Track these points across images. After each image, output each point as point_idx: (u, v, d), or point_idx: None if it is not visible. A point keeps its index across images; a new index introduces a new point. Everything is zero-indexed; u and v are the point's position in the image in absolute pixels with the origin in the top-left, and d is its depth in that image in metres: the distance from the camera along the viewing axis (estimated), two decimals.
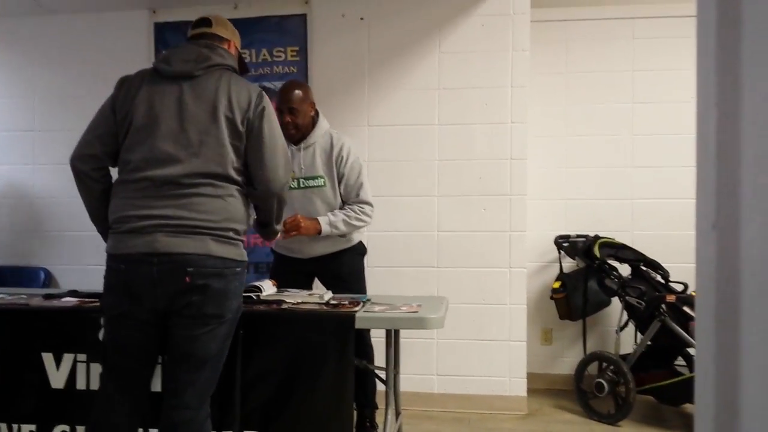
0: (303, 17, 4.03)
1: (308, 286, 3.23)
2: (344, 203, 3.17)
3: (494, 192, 3.88)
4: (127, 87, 2.28)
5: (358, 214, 3.13)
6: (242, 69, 2.48)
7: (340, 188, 3.15)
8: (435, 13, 3.94)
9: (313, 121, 3.16)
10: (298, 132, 3.09)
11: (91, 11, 4.21)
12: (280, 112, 3.02)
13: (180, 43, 2.42)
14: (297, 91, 3.10)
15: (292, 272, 3.19)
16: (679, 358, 3.75)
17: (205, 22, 2.40)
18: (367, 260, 3.38)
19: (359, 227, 3.19)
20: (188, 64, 2.24)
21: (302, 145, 3.12)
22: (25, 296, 2.85)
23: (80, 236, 4.10)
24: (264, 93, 2.31)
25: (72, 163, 2.28)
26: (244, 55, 2.66)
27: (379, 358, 2.83)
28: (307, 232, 3.05)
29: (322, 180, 3.12)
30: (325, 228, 3.07)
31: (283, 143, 2.34)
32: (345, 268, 3.21)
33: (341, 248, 3.21)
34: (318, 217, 3.08)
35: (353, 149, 3.19)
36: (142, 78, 2.30)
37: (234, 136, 2.21)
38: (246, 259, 2.29)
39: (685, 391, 3.49)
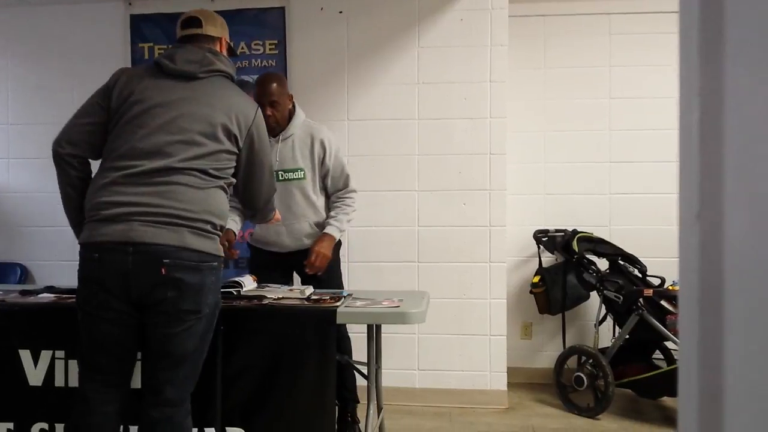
0: (281, 10, 4.00)
1: (287, 279, 3.22)
2: (330, 194, 3.19)
3: (474, 187, 3.89)
4: (126, 78, 2.28)
5: (351, 206, 3.18)
6: (230, 55, 2.49)
7: (326, 181, 3.15)
8: (414, 8, 3.94)
9: (290, 113, 3.15)
10: (277, 124, 3.08)
11: (66, 2, 4.14)
12: (260, 105, 3.00)
13: (177, 43, 2.41)
14: (275, 84, 3.09)
15: (271, 266, 3.18)
16: (657, 351, 3.79)
17: (195, 22, 2.37)
18: (348, 255, 3.38)
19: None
20: (192, 66, 2.25)
21: (280, 137, 3.11)
22: (0, 292, 2.80)
23: (57, 231, 4.03)
24: (260, 110, 2.38)
25: (54, 147, 2.26)
26: None
27: (360, 353, 2.83)
28: (329, 252, 3.07)
29: (302, 172, 3.11)
30: (338, 236, 3.14)
31: (270, 163, 2.46)
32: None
33: None
34: (327, 232, 3.09)
35: (333, 139, 3.20)
36: (143, 71, 2.31)
37: (229, 143, 2.23)
38: (222, 254, 2.27)
39: (663, 384, 3.53)
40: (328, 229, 3.10)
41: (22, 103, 4.27)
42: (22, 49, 4.26)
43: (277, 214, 2.79)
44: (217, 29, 2.42)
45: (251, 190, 2.40)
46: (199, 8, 2.50)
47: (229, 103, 2.26)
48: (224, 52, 2.42)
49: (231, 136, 2.24)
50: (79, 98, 4.10)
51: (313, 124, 3.20)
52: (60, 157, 2.25)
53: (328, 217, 3.16)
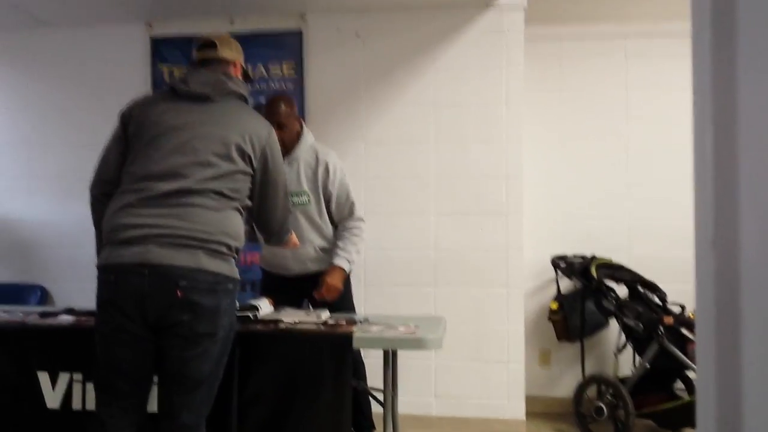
0: (299, 33, 4.06)
1: (296, 303, 3.21)
2: (337, 221, 3.18)
3: (491, 210, 3.88)
4: (141, 104, 2.34)
5: (358, 236, 3.16)
6: (246, 79, 2.52)
7: (330, 207, 3.15)
8: (430, 30, 3.97)
9: (298, 135, 3.15)
10: (284, 147, 3.08)
11: (88, 25, 4.23)
12: None
13: (191, 65, 2.48)
14: (283, 105, 3.10)
15: (280, 288, 3.16)
16: (679, 381, 3.72)
17: (210, 45, 2.43)
18: (364, 279, 3.37)
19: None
20: (206, 88, 2.29)
21: (286, 160, 3.10)
22: (21, 314, 2.83)
23: (77, 253, 4.08)
24: (274, 131, 2.40)
25: (90, 192, 2.36)
26: None
27: (376, 379, 2.80)
28: (340, 284, 3.08)
29: (307, 197, 3.11)
30: (348, 267, 3.12)
31: (285, 183, 2.45)
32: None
33: (323, 269, 3.16)
34: (337, 264, 3.08)
35: (339, 165, 3.18)
36: (157, 96, 2.39)
37: (243, 164, 2.25)
38: (238, 276, 2.27)
39: (684, 415, 3.46)
40: (338, 261, 3.09)
41: (44, 124, 4.34)
42: (44, 71, 4.35)
43: (295, 239, 2.78)
44: (233, 53, 2.46)
45: (266, 211, 2.40)
46: (216, 32, 2.55)
47: (242, 124, 2.28)
48: (239, 76, 2.45)
49: (245, 156, 2.25)
50: (100, 120, 4.20)
51: (321, 148, 3.19)
52: (95, 200, 2.35)
53: (336, 247, 3.13)
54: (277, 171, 2.38)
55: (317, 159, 3.13)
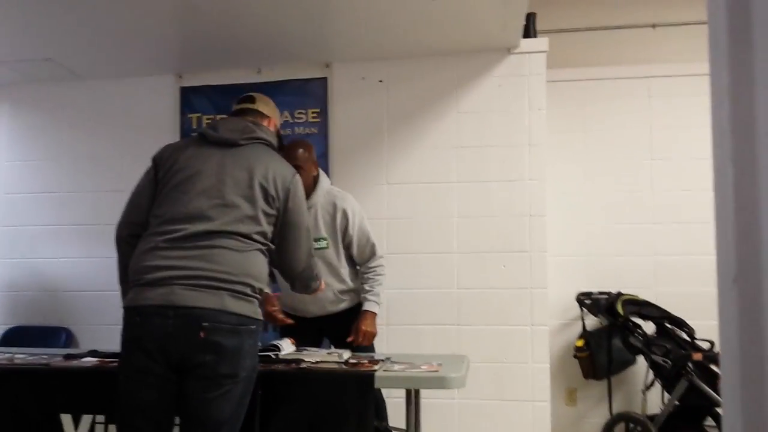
0: (324, 80, 4.13)
1: (317, 342, 3.21)
2: (358, 263, 3.22)
3: (514, 249, 3.86)
4: (171, 150, 2.40)
5: (382, 274, 3.21)
6: (279, 145, 2.59)
7: (350, 250, 3.18)
8: (452, 75, 4.02)
9: (315, 180, 3.19)
10: None
11: (118, 77, 4.34)
12: None
13: (227, 116, 2.60)
14: (301, 150, 3.15)
15: (301, 329, 3.16)
16: (709, 418, 3.63)
17: (249, 99, 2.57)
18: (388, 318, 3.37)
19: None
20: (234, 134, 2.36)
21: None
22: (45, 356, 2.85)
23: (102, 296, 4.12)
24: (298, 175, 2.44)
25: (116, 233, 2.39)
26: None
27: (399, 419, 2.77)
28: (374, 328, 3.14)
29: (326, 242, 3.14)
30: (377, 310, 3.17)
31: (308, 225, 2.46)
32: (349, 325, 3.17)
33: (344, 308, 3.21)
34: (369, 310, 3.13)
35: (357, 208, 3.22)
36: (188, 142, 2.47)
37: (267, 205, 2.28)
38: (261, 317, 2.28)
39: None
40: (369, 306, 3.13)
41: (75, 172, 4.43)
42: (76, 121, 4.46)
43: (323, 284, 2.79)
44: (269, 109, 2.57)
45: (288, 252, 2.38)
46: (256, 92, 2.67)
47: (266, 166, 2.32)
48: (273, 131, 2.52)
49: (269, 198, 2.28)
50: (130, 167, 4.27)
51: (337, 193, 3.23)
52: (122, 240, 2.38)
53: (363, 291, 3.17)
54: (300, 212, 2.39)
55: (335, 205, 3.16)
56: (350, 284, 3.21)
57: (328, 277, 3.13)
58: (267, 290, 2.56)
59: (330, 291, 3.14)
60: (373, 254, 3.19)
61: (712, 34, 0.63)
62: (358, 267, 3.23)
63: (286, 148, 3.23)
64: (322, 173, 3.26)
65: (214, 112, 4.11)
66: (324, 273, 3.10)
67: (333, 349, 3.02)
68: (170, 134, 4.16)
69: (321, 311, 3.17)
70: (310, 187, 3.16)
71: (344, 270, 3.19)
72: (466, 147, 3.97)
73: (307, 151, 3.18)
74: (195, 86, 4.27)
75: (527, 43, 3.92)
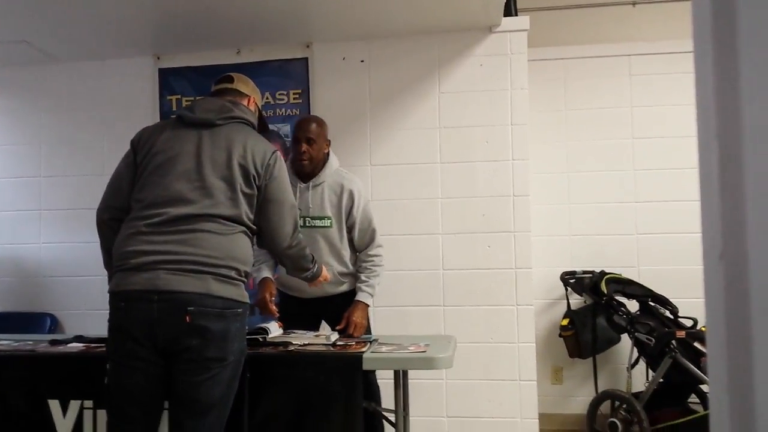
0: (305, 61, 4.09)
1: (315, 325, 3.21)
2: (358, 249, 3.18)
3: (498, 229, 3.88)
4: (148, 133, 2.38)
5: (380, 265, 3.17)
6: (262, 126, 2.57)
7: (352, 234, 3.15)
8: (434, 54, 4.00)
9: (325, 159, 3.17)
10: (310, 164, 3.08)
11: (95, 59, 4.28)
12: (296, 141, 3.09)
13: (204, 96, 2.56)
14: (314, 124, 3.13)
15: (297, 311, 3.17)
16: (693, 395, 3.69)
17: (227, 78, 2.52)
18: (373, 300, 3.36)
19: None
20: (211, 114, 2.32)
21: (311, 183, 3.11)
22: (31, 342, 2.84)
23: (86, 281, 4.10)
24: (278, 152, 2.39)
25: (97, 216, 2.37)
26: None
27: (388, 400, 2.79)
28: (365, 320, 3.08)
29: (330, 221, 3.11)
30: (371, 302, 3.13)
31: (291, 201, 2.42)
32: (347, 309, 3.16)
33: (341, 291, 3.18)
34: (361, 300, 3.08)
35: (363, 193, 3.19)
36: (165, 124, 2.43)
37: (247, 185, 2.26)
38: (248, 300, 2.28)
39: (699, 429, 3.42)
40: (362, 297, 3.09)
41: (54, 156, 4.38)
42: (55, 105, 4.40)
43: (325, 273, 2.76)
44: (248, 88, 2.53)
45: (272, 230, 2.35)
46: (234, 72, 2.63)
47: (244, 145, 2.29)
48: (253, 110, 2.49)
49: (249, 177, 2.26)
50: (109, 150, 4.24)
51: (346, 174, 3.20)
52: (103, 223, 2.36)
53: (358, 280, 3.14)
54: (282, 189, 2.36)
55: (342, 186, 3.12)
56: (351, 268, 3.17)
57: (330, 257, 3.10)
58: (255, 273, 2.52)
59: (330, 272, 3.12)
60: (372, 240, 3.16)
61: (695, 6, 0.63)
62: (357, 253, 3.20)
63: (298, 120, 3.22)
64: (332, 153, 3.23)
65: (194, 94, 4.06)
66: (325, 253, 3.09)
67: (320, 332, 3.02)
68: (149, 116, 4.11)
69: (320, 292, 3.13)
70: (320, 163, 3.13)
71: (346, 252, 3.15)
72: (449, 127, 3.97)
73: (320, 126, 3.14)
74: (174, 68, 4.21)
75: (508, 22, 3.90)
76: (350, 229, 3.15)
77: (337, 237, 3.12)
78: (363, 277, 3.14)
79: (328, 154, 3.19)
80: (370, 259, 3.16)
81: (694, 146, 0.65)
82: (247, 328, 2.38)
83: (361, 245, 3.17)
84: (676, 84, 4.20)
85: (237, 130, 2.33)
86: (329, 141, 3.22)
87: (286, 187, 2.40)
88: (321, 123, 3.19)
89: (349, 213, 3.12)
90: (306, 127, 3.09)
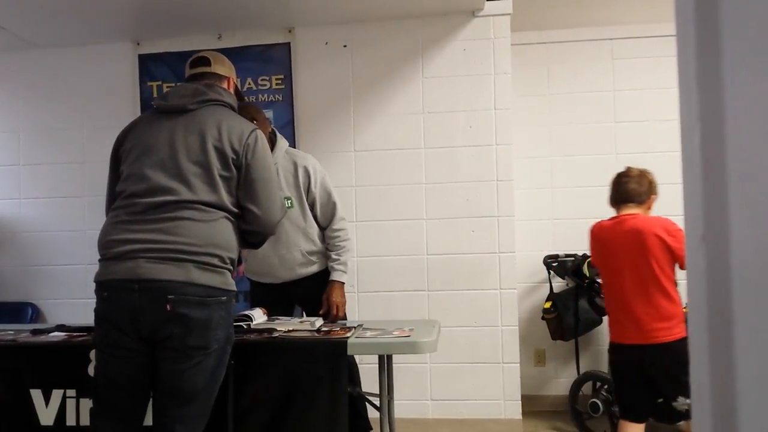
0: (287, 46, 4.06)
1: (288, 311, 3.20)
2: (322, 224, 3.16)
3: (482, 214, 3.89)
4: (127, 128, 2.37)
5: (347, 239, 3.17)
6: (238, 98, 2.52)
7: (314, 210, 3.13)
8: (417, 39, 3.99)
9: (271, 141, 3.10)
10: None
11: (74, 45, 4.21)
12: None
13: (181, 82, 2.50)
14: (252, 111, 3.05)
15: (270, 298, 3.14)
16: None
17: (203, 61, 2.44)
18: (358, 285, 3.37)
19: None
20: (183, 99, 2.29)
21: None
22: (12, 332, 2.81)
23: (67, 270, 4.06)
24: (258, 129, 2.33)
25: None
26: None
27: (372, 384, 2.80)
28: (343, 297, 3.10)
29: (290, 201, 3.08)
30: (344, 279, 3.13)
31: (276, 180, 2.39)
32: (320, 291, 3.14)
33: (312, 272, 3.17)
34: (335, 280, 3.10)
35: (318, 167, 3.17)
36: (141, 118, 2.42)
37: (224, 168, 2.22)
38: (233, 288, 2.25)
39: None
40: (336, 276, 3.10)
41: (34, 143, 4.32)
42: (33, 91, 4.33)
43: None
44: (225, 69, 2.48)
45: (262, 209, 2.27)
46: (207, 50, 2.56)
47: (218, 127, 2.23)
48: (231, 91, 2.45)
49: (227, 159, 2.21)
50: (89, 137, 4.18)
51: (296, 153, 3.20)
52: None
53: (330, 260, 3.13)
54: (265, 166, 2.29)
55: (295, 163, 3.11)
56: (319, 245, 3.16)
57: (297, 237, 3.09)
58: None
59: (298, 252, 3.10)
60: (334, 214, 3.14)
61: None
62: (323, 230, 3.19)
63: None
64: (279, 135, 3.19)
65: (174, 80, 4.01)
66: (292, 233, 3.08)
67: (305, 318, 3.02)
68: (129, 103, 4.07)
69: (291, 275, 3.13)
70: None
71: (312, 230, 3.13)
72: (432, 112, 3.96)
73: (257, 113, 3.05)
74: (154, 53, 4.16)
75: (491, 6, 3.90)
76: (312, 206, 3.13)
77: (300, 216, 3.10)
78: (333, 255, 3.13)
79: (274, 136, 3.15)
80: (336, 234, 3.15)
81: (676, 130, 0.66)
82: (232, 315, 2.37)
83: (324, 221, 3.16)
84: (658, 67, 4.21)
85: (211, 113, 2.28)
86: (271, 126, 3.20)
87: (269, 163, 2.34)
88: (258, 110, 3.10)
89: (308, 190, 3.10)
90: (243, 115, 3.05)
